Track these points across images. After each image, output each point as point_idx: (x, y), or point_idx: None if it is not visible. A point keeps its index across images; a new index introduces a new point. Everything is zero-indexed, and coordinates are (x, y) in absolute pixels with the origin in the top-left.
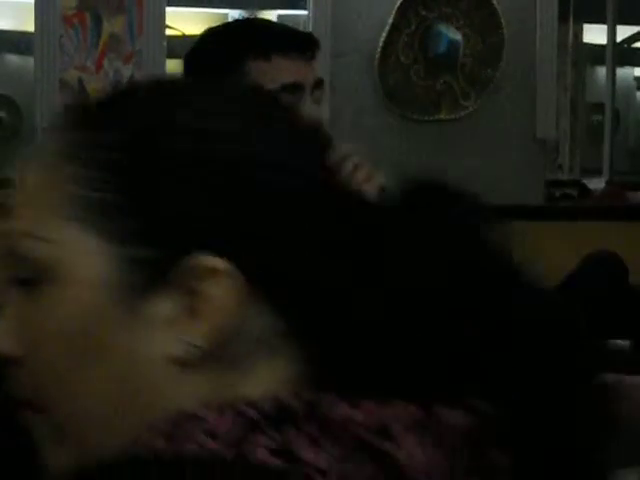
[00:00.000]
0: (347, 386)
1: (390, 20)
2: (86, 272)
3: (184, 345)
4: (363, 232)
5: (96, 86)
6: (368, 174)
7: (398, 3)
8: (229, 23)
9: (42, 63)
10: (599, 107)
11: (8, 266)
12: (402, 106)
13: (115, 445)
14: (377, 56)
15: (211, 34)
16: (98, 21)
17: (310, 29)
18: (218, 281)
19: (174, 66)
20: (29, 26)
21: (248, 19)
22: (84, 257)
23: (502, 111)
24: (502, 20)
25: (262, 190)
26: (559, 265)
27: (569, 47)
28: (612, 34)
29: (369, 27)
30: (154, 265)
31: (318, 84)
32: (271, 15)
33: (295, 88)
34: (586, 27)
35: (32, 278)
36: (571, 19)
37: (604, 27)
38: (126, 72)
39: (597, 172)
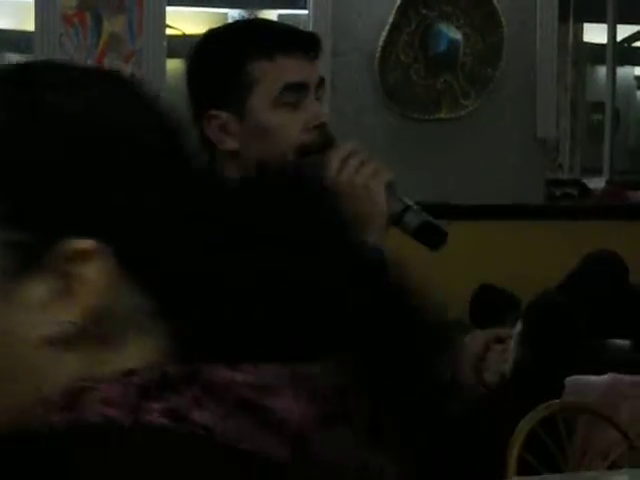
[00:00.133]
0: (223, 354)
1: (390, 19)
2: None
3: (58, 326)
4: (224, 209)
5: None
6: (374, 170)
7: (398, 2)
8: (231, 23)
9: None
10: (599, 106)
11: None
12: (402, 105)
13: None
14: (377, 55)
15: (214, 34)
16: (98, 20)
17: (310, 28)
18: (89, 263)
19: (174, 65)
20: (29, 25)
21: (250, 19)
22: None
23: (502, 110)
24: (502, 19)
25: (124, 173)
26: (559, 264)
27: (569, 46)
28: (612, 33)
29: (369, 26)
30: (27, 249)
31: (321, 83)
32: (271, 14)
33: (299, 87)
34: (586, 26)
35: None
36: (571, 18)
37: (604, 26)
38: (126, 71)
39: (597, 171)
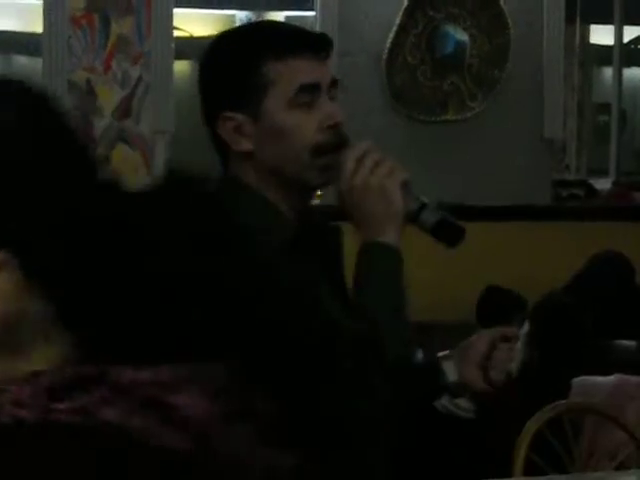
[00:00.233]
0: (128, 356)
1: (397, 21)
2: None
3: None
4: (122, 218)
5: (104, 87)
6: (390, 169)
7: (405, 4)
8: (243, 26)
9: (50, 64)
10: (606, 107)
11: None
12: (409, 107)
13: None
14: (384, 57)
15: (226, 37)
16: (106, 22)
17: (317, 30)
18: None
19: (182, 67)
20: (37, 27)
21: (262, 21)
22: None
23: (509, 112)
24: (509, 21)
25: (25, 191)
26: (566, 265)
27: (576, 48)
28: (619, 35)
29: (376, 28)
30: None
31: (334, 83)
32: (278, 16)
33: (313, 88)
34: (593, 28)
35: None
36: (578, 20)
37: (611, 28)
38: (134, 73)
39: (604, 172)
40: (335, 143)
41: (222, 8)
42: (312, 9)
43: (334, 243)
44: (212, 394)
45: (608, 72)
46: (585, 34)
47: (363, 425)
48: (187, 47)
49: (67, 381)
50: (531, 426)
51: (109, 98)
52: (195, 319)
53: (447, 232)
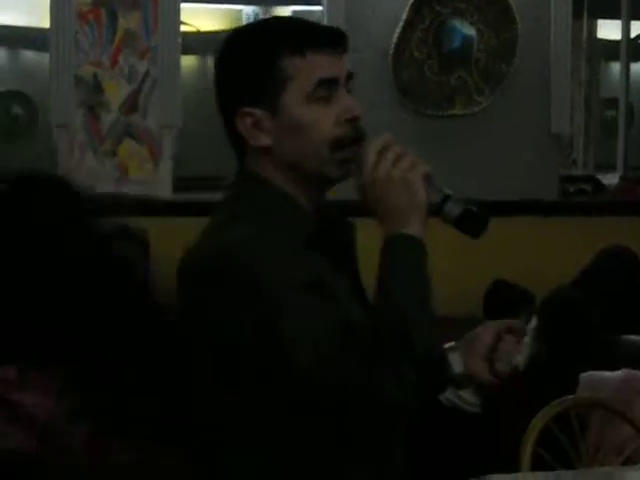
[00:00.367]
0: None
1: (404, 16)
2: None
3: None
4: None
5: (111, 82)
6: (411, 162)
7: None
8: (259, 21)
9: (57, 59)
10: (613, 102)
11: None
12: (416, 101)
13: None
14: (391, 52)
15: (242, 32)
16: (113, 17)
17: None
18: None
19: (189, 62)
20: (44, 22)
21: (277, 17)
22: None
23: (516, 106)
24: (516, 15)
25: None
26: (573, 260)
27: (583, 42)
28: (626, 29)
29: (383, 23)
30: None
31: (349, 76)
32: (285, 11)
33: (331, 82)
34: (600, 23)
35: None
36: (585, 15)
37: (618, 22)
38: (141, 68)
39: (611, 167)
40: (353, 136)
41: (229, 3)
42: (319, 4)
43: (348, 238)
44: (56, 393)
45: (615, 67)
46: (592, 29)
47: (392, 414)
48: (194, 42)
49: None
50: (538, 421)
51: (116, 93)
52: (34, 323)
53: (471, 223)
